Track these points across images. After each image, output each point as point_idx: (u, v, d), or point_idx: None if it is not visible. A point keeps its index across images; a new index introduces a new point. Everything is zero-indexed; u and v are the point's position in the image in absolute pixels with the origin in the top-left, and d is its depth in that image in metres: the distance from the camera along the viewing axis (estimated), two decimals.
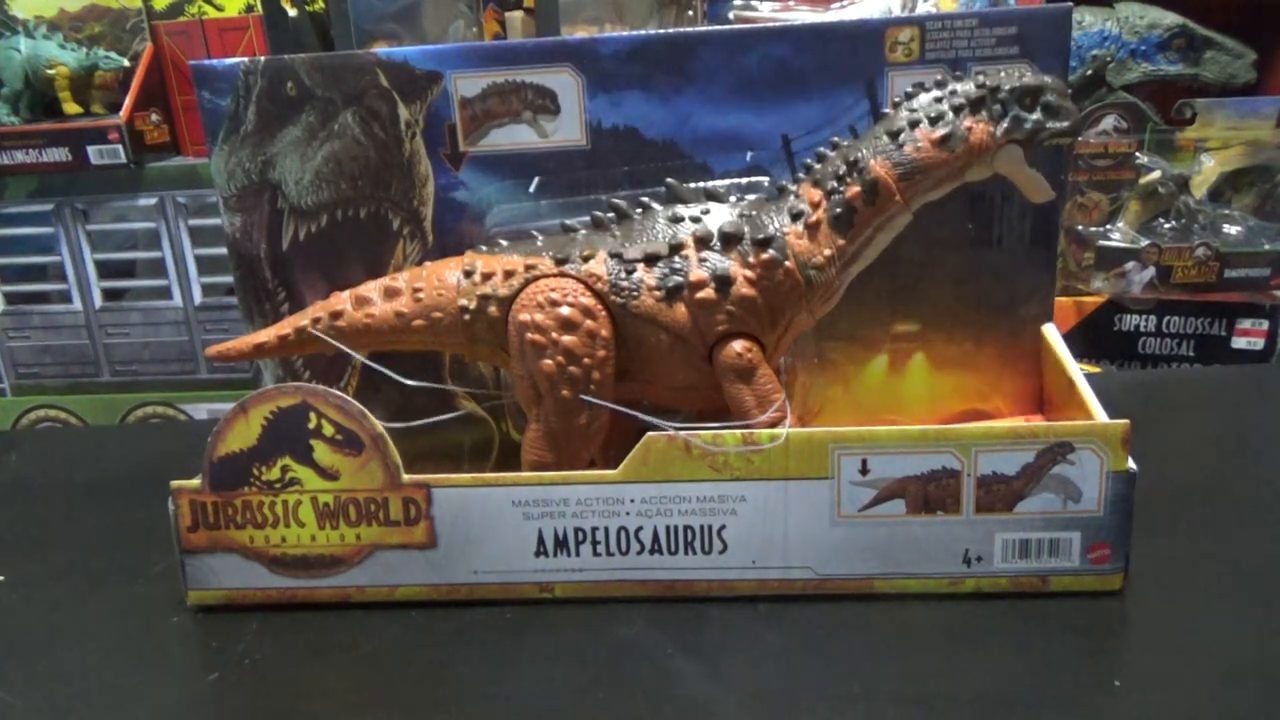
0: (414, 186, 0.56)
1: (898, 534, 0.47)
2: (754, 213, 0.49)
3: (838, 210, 0.48)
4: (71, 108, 1.26)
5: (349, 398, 0.48)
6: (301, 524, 0.49)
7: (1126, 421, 0.45)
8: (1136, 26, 1.22)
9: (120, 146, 1.21)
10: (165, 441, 0.81)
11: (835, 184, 0.49)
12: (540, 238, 0.51)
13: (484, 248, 0.51)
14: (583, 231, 0.50)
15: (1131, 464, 0.46)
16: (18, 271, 1.30)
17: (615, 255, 0.49)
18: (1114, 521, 0.47)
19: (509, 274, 0.49)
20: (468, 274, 0.50)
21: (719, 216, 0.49)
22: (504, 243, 0.51)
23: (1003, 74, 0.48)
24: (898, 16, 0.52)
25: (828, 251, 0.49)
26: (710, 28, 0.58)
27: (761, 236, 0.48)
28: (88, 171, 1.23)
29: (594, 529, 0.48)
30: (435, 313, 0.50)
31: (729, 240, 0.48)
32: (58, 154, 1.22)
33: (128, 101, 1.24)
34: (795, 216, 0.49)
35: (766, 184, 0.53)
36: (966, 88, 0.48)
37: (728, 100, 0.53)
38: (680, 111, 0.54)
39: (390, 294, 0.51)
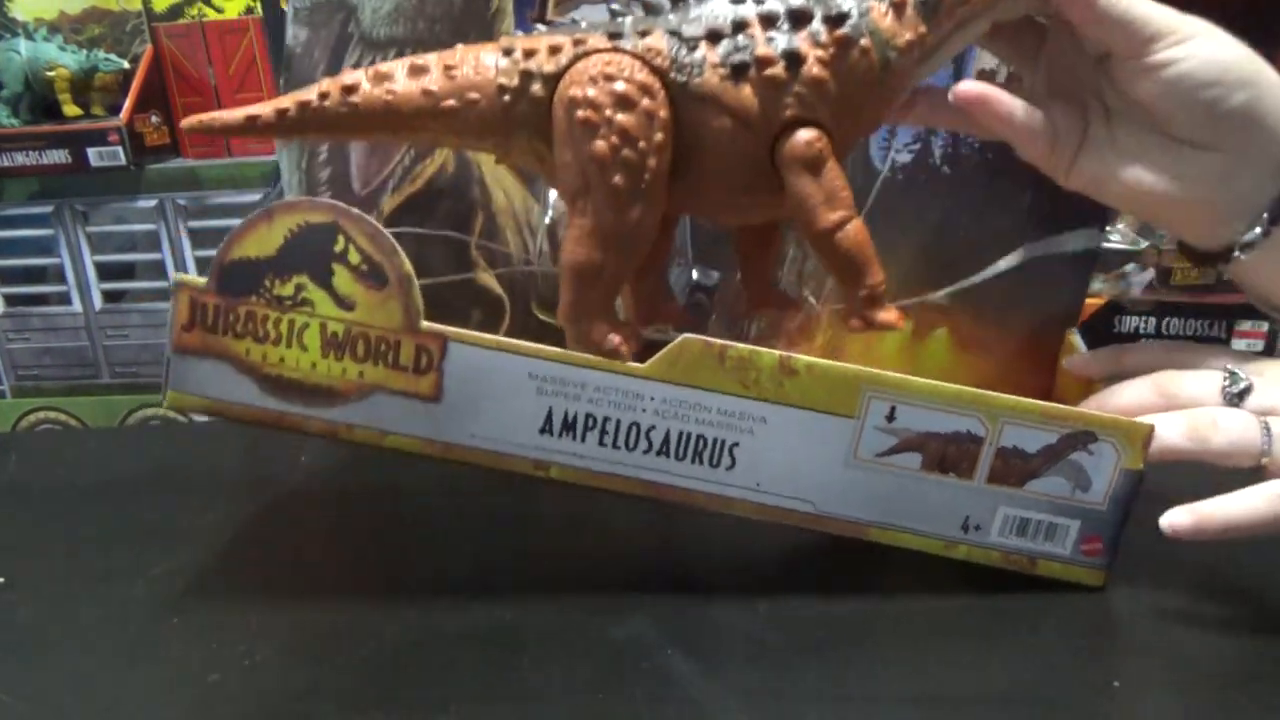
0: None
1: (906, 487, 0.47)
2: None
3: None
4: (71, 110, 1.26)
5: (384, 229, 0.45)
6: (305, 348, 0.46)
7: (1152, 424, 0.45)
8: None
9: (120, 148, 1.22)
10: (165, 443, 0.81)
11: None
12: (584, 21, 0.45)
13: (518, 32, 0.45)
14: (632, 15, 0.45)
15: (1142, 467, 0.46)
16: (17, 273, 1.30)
17: (674, 33, 0.44)
18: (1113, 517, 0.47)
19: (555, 50, 0.44)
20: (507, 53, 0.44)
21: None
22: (542, 27, 0.46)
23: None
24: None
25: (910, 35, 0.45)
26: None
27: (835, 13, 0.44)
28: (88, 173, 1.23)
29: (605, 418, 0.46)
30: (470, 93, 0.44)
31: (798, 19, 0.44)
32: (58, 156, 1.23)
33: (128, 103, 1.24)
34: None
35: None
36: None
37: None
38: None
39: (417, 71, 0.45)
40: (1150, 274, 1.18)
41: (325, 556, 0.56)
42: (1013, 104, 0.46)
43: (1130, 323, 1.21)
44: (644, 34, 0.44)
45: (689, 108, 0.44)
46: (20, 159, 1.23)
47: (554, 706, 0.43)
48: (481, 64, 0.45)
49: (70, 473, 0.71)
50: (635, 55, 0.44)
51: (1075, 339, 0.58)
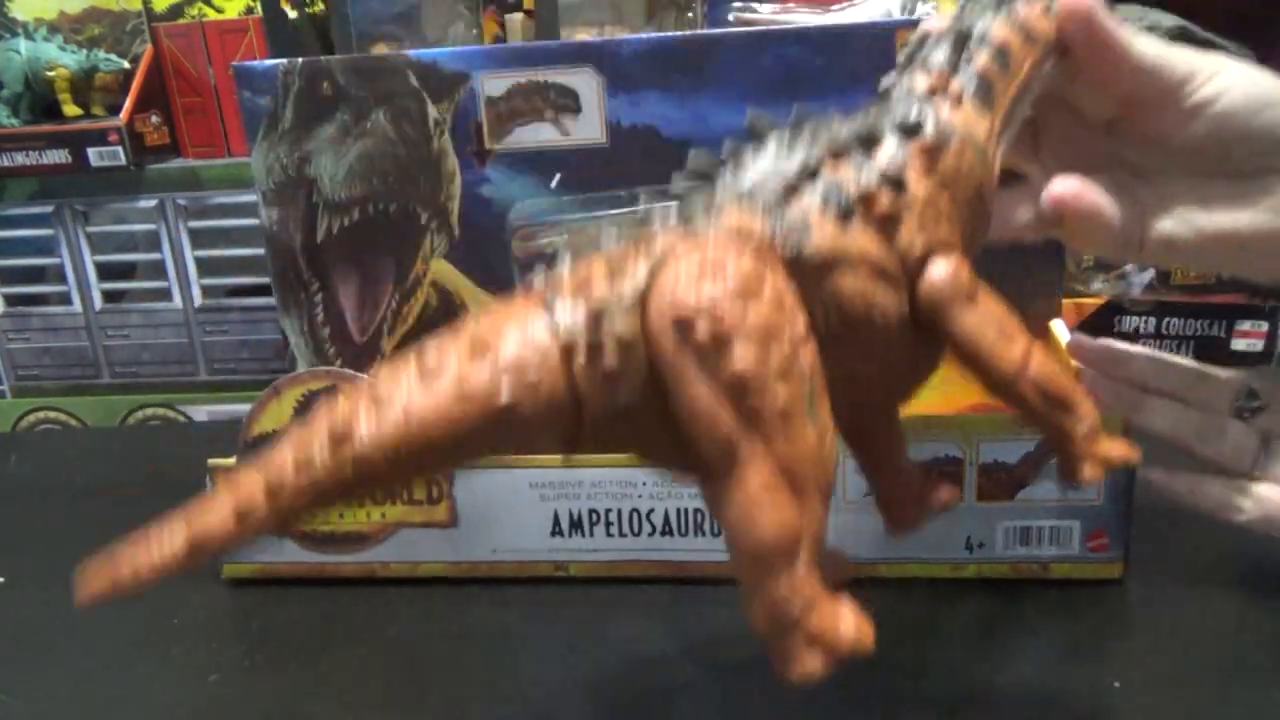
0: (441, 182, 0.57)
1: None
2: (877, 110, 0.38)
3: (974, 83, 0.39)
4: (71, 110, 1.26)
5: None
6: None
7: (1127, 415, 0.46)
8: (1136, 28, 1.22)
9: (120, 148, 1.21)
10: (165, 443, 0.81)
11: (954, 58, 0.39)
12: (605, 227, 0.34)
13: (532, 262, 0.40)
14: (681, 190, 0.36)
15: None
16: (17, 273, 1.30)
17: (748, 197, 0.34)
18: (1113, 510, 0.48)
19: (619, 268, 0.31)
20: (552, 305, 0.31)
21: (838, 131, 0.36)
22: (556, 239, 0.41)
23: None
24: (907, 19, 0.52)
25: (984, 124, 0.38)
26: (727, 30, 0.58)
27: (909, 123, 0.37)
28: (88, 173, 1.23)
29: (607, 510, 0.49)
30: (526, 376, 0.30)
31: (867, 143, 0.36)
32: (58, 156, 1.22)
33: (128, 103, 1.24)
34: (932, 93, 0.38)
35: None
36: None
37: (744, 100, 0.54)
38: (697, 111, 0.54)
39: (430, 376, 0.30)
40: (1150, 274, 1.18)
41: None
42: (1099, 194, 0.43)
43: (1130, 323, 1.20)
44: (718, 212, 0.34)
45: (810, 279, 0.33)
46: (20, 159, 1.23)
47: (552, 704, 0.43)
48: (524, 331, 0.30)
49: (70, 473, 0.71)
50: (724, 239, 0.32)
51: (1055, 331, 0.58)
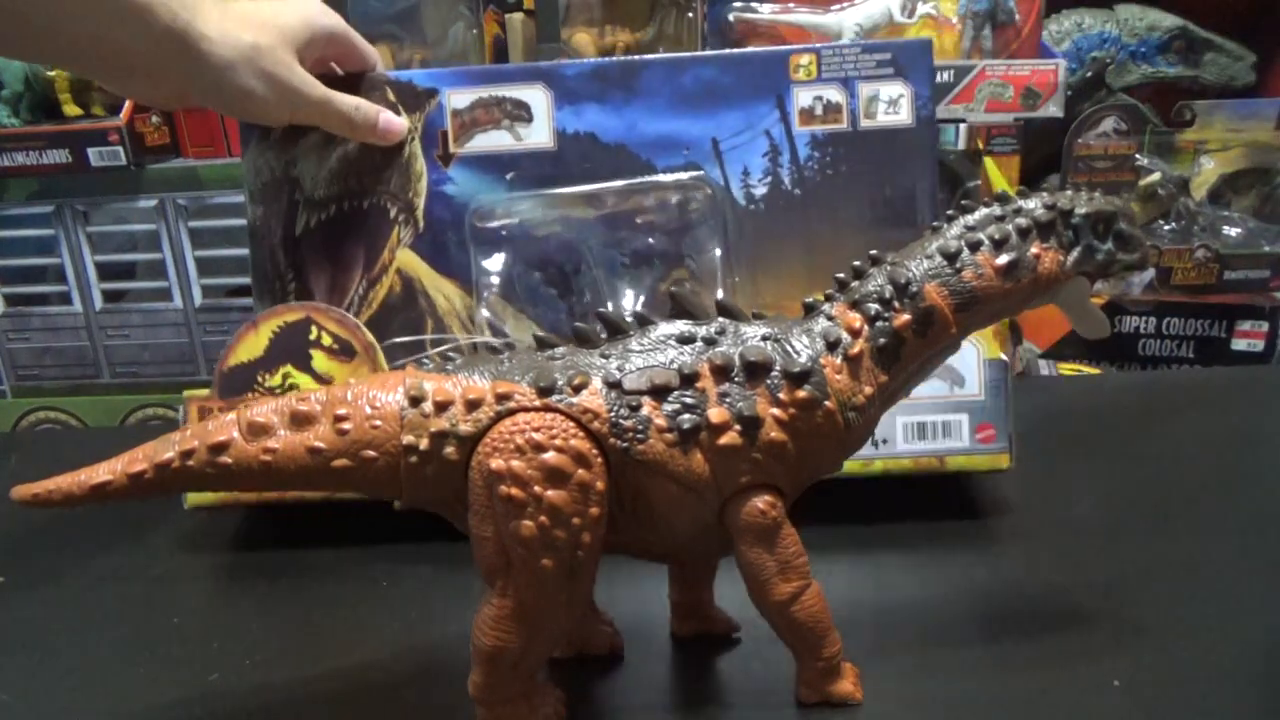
0: (410, 181, 0.64)
1: None
2: (779, 335, 0.41)
3: (883, 340, 0.41)
4: (72, 109, 1.26)
5: (347, 313, 0.56)
6: None
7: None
8: (1136, 28, 1.22)
9: (120, 148, 1.21)
10: None
11: (879, 308, 0.41)
12: (507, 356, 0.40)
13: (427, 362, 0.41)
14: (563, 350, 0.40)
15: (1003, 355, 0.54)
16: (18, 273, 1.30)
17: (613, 385, 0.39)
18: (994, 404, 0.54)
19: (473, 404, 0.38)
20: (415, 401, 0.38)
21: (740, 339, 0.40)
22: (456, 358, 0.40)
23: (1070, 193, 0.43)
24: (798, 47, 0.64)
25: (869, 389, 0.41)
26: (650, 55, 0.68)
27: (797, 370, 0.39)
28: (88, 173, 1.23)
29: None
30: (367, 450, 0.38)
31: (755, 371, 0.39)
32: (58, 156, 1.22)
33: (128, 103, 1.24)
34: (832, 345, 0.41)
35: (700, 176, 0.64)
36: (1032, 207, 0.42)
37: (668, 110, 0.64)
38: (629, 120, 0.64)
39: (301, 421, 0.38)
40: (1150, 274, 1.18)
41: (325, 557, 0.56)
42: None
43: (1130, 323, 1.21)
44: (579, 387, 0.38)
45: (630, 473, 0.39)
46: (20, 159, 1.23)
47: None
48: (382, 410, 0.38)
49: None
50: (569, 415, 0.38)
51: None
